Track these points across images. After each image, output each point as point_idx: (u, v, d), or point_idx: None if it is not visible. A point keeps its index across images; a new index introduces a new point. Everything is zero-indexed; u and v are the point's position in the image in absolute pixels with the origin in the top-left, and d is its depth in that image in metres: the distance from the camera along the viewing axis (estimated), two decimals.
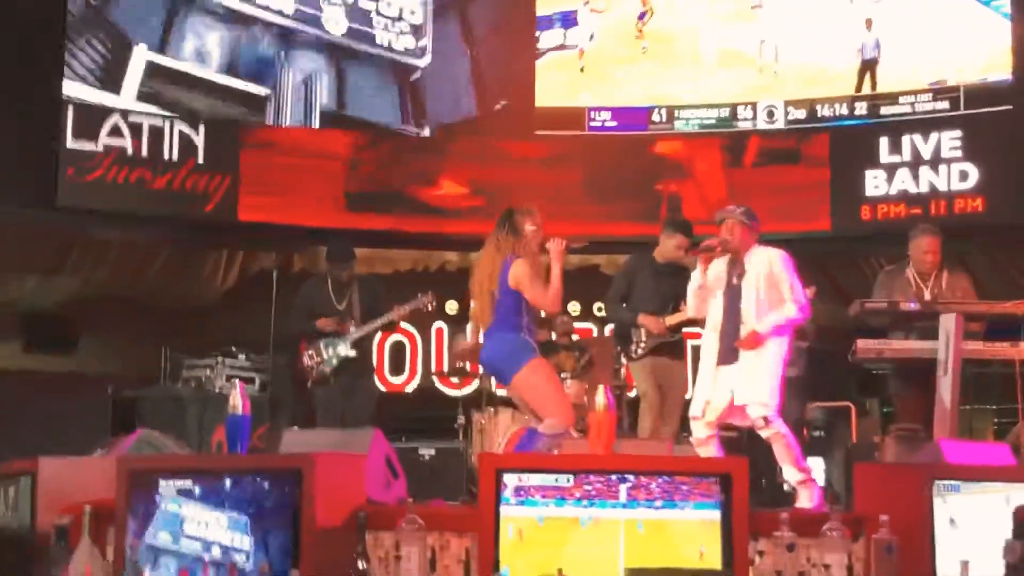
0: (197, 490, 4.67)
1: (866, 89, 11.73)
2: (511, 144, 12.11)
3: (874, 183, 11.44)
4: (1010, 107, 11.12)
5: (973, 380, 7.55)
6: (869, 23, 11.77)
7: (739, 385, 6.48)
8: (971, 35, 11.50)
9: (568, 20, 12.37)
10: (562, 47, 12.36)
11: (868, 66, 11.75)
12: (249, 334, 9.92)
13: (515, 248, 6.46)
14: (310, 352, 8.35)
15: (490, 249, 6.55)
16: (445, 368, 11.53)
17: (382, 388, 10.57)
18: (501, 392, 8.45)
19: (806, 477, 6.46)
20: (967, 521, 4.50)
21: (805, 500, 6.38)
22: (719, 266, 6.73)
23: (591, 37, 12.37)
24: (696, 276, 6.73)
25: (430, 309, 8.68)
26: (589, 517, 4.45)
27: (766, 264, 6.62)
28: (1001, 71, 11.26)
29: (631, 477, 4.45)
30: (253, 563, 4.48)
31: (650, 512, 4.46)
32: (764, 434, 6.46)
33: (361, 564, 4.42)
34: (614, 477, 4.49)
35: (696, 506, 4.48)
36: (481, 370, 9.18)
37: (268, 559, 4.50)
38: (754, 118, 11.96)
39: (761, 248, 6.73)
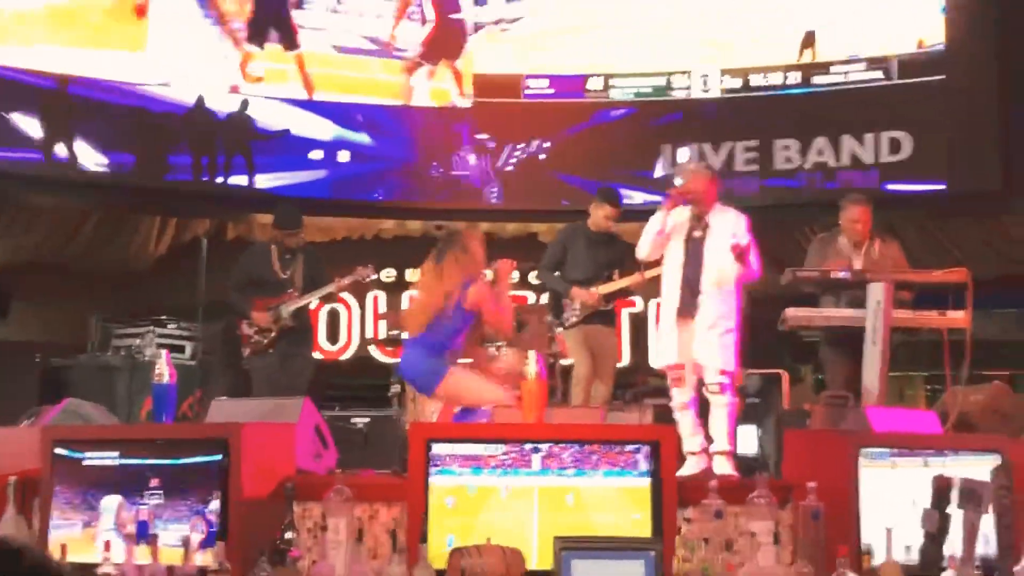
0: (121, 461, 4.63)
1: (806, 60, 11.80)
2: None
3: (813, 151, 11.51)
4: (943, 76, 11.21)
5: (904, 347, 7.63)
6: None
7: (702, 346, 6.56)
8: (904, 6, 11.60)
9: None
10: (500, 21, 12.29)
11: (808, 39, 11.80)
12: (180, 302, 9.82)
13: (470, 269, 6.50)
14: (248, 321, 8.27)
15: (449, 267, 6.55)
16: (381, 336, 11.48)
17: (319, 356, 10.51)
18: None
19: (732, 449, 6.56)
20: (893, 488, 4.54)
21: (726, 469, 6.46)
22: (680, 215, 6.76)
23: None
24: (657, 220, 6.74)
25: (369, 280, 8.63)
26: (507, 487, 4.47)
27: (732, 224, 6.71)
28: (934, 39, 11.38)
29: (569, 445, 4.46)
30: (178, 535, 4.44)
31: (579, 480, 4.48)
32: (714, 399, 6.53)
33: (289, 535, 4.39)
34: (544, 446, 4.50)
35: (620, 473, 4.50)
36: None
37: (195, 530, 4.46)
38: (689, 87, 11.97)
39: (725, 208, 6.84)
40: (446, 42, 12.19)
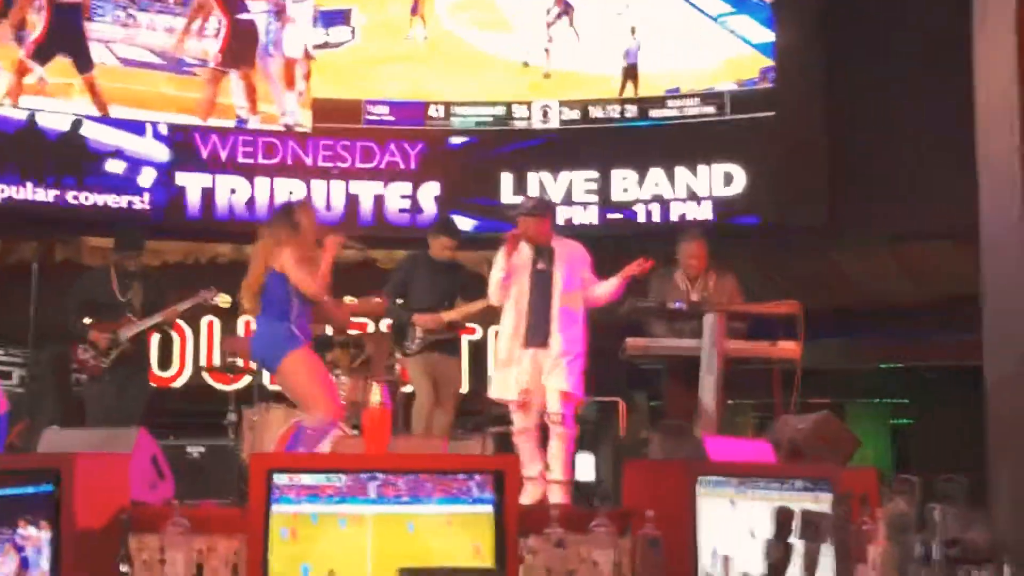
0: None
1: (628, 93, 12.04)
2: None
3: (650, 183, 11.75)
4: (773, 112, 11.55)
5: (736, 376, 7.82)
6: (633, 30, 12.08)
7: (553, 373, 6.69)
8: (718, 44, 12.02)
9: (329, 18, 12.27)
10: (325, 45, 12.24)
11: (631, 71, 12.06)
12: (7, 327, 9.48)
13: (293, 242, 6.43)
14: (84, 346, 8.06)
15: (267, 241, 6.51)
16: (215, 363, 11.27)
17: (152, 385, 10.25)
18: (274, 387, 8.30)
19: (568, 478, 6.67)
20: (731, 517, 4.64)
21: (559, 497, 6.55)
22: (522, 251, 6.88)
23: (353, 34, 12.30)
24: (498, 266, 6.88)
25: (213, 302, 8.49)
26: (347, 516, 4.42)
27: (577, 253, 7.09)
28: (748, 75, 11.77)
29: (409, 476, 4.44)
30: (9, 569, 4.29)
31: (418, 508, 4.47)
32: (555, 429, 6.61)
33: (124, 567, 4.28)
34: (388, 476, 4.47)
35: (462, 501, 4.50)
36: (253, 365, 9.02)
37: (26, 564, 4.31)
38: (529, 117, 12.10)
39: (563, 239, 7.18)
40: (240, 50, 12.05)
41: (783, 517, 3.81)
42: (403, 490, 4.47)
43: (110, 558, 4.29)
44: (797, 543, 3.77)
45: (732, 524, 4.61)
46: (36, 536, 4.34)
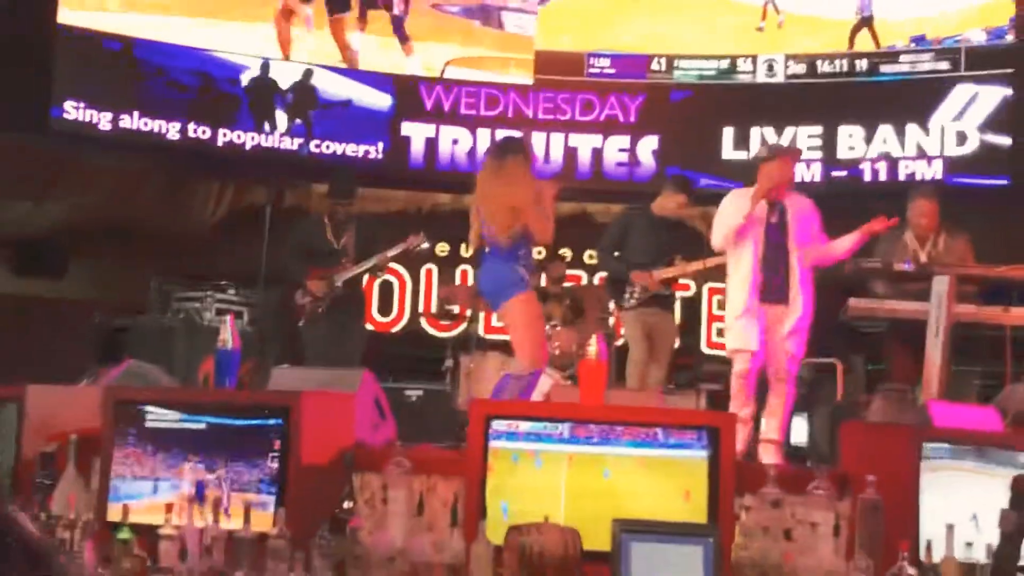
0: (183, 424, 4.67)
1: (860, 46, 11.66)
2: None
3: (878, 140, 11.41)
4: (1012, 70, 11.05)
5: (962, 341, 7.55)
6: None
7: (789, 331, 6.78)
8: None
9: None
10: None
11: (865, 23, 11.68)
12: (239, 267, 9.86)
13: (530, 175, 6.48)
14: (302, 290, 8.29)
15: (515, 170, 6.54)
16: (433, 309, 11.50)
17: (370, 328, 10.53)
18: (490, 336, 8.43)
19: (781, 438, 6.56)
20: (957, 485, 4.50)
21: (772, 457, 6.46)
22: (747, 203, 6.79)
23: None
24: (739, 213, 6.80)
25: (423, 248, 8.60)
26: (569, 456, 4.45)
27: (807, 208, 6.97)
28: (998, 22, 11.24)
29: (620, 427, 4.44)
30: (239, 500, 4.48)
31: (638, 451, 4.47)
32: (779, 387, 6.55)
33: (347, 504, 4.40)
34: (601, 427, 4.49)
35: (681, 446, 4.48)
36: (469, 312, 9.16)
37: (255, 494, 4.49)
38: (754, 71, 11.88)
39: (794, 194, 7.07)
40: None
41: (1021, 486, 3.66)
42: (620, 439, 4.48)
43: (335, 494, 4.42)
44: None
45: (957, 492, 4.46)
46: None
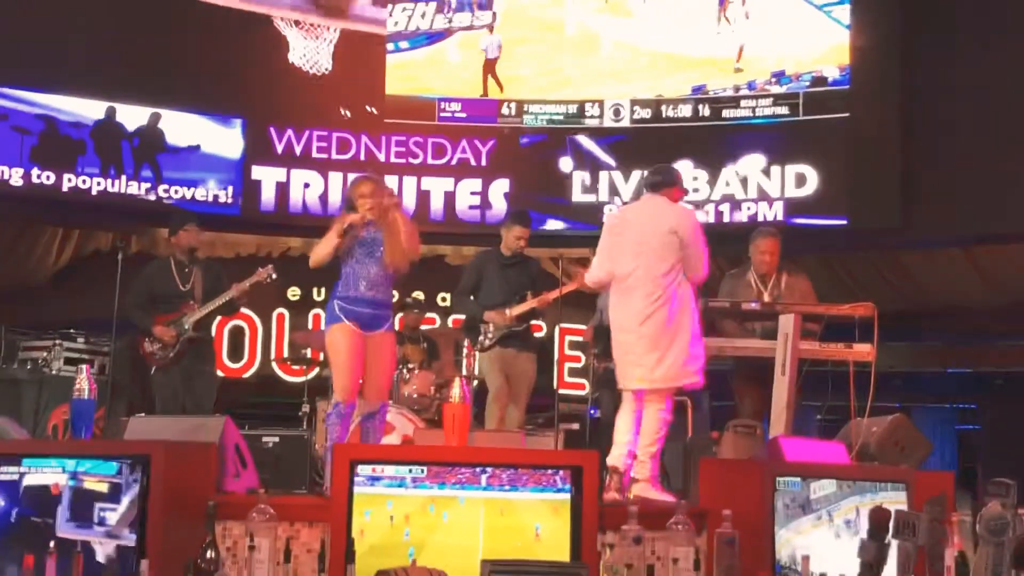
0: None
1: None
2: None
3: (721, 182, 11.76)
4: (847, 114, 11.50)
5: (805, 377, 7.79)
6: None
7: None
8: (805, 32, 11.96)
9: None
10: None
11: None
12: (86, 315, 9.64)
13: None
14: (150, 338, 8.14)
15: None
16: (285, 354, 11.42)
17: (220, 374, 10.38)
18: None
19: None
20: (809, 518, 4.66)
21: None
22: None
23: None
24: None
25: (271, 280, 8.50)
26: (431, 499, 4.49)
27: None
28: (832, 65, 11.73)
29: (487, 469, 4.51)
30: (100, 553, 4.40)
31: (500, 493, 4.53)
32: None
33: (210, 554, 4.36)
34: (467, 469, 4.54)
35: (542, 490, 4.56)
36: (322, 356, 9.11)
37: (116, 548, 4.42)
38: (601, 115, 12.14)
39: None
40: None
41: (879, 517, 3.81)
42: (485, 481, 4.54)
43: (196, 544, 4.37)
44: (892, 543, 3.78)
45: (809, 525, 4.63)
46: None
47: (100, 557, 4.44)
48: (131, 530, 4.47)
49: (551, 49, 12.49)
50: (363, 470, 4.54)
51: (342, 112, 12.19)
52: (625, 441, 6.41)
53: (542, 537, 4.57)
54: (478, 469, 4.50)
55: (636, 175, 11.76)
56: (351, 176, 11.52)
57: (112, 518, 4.48)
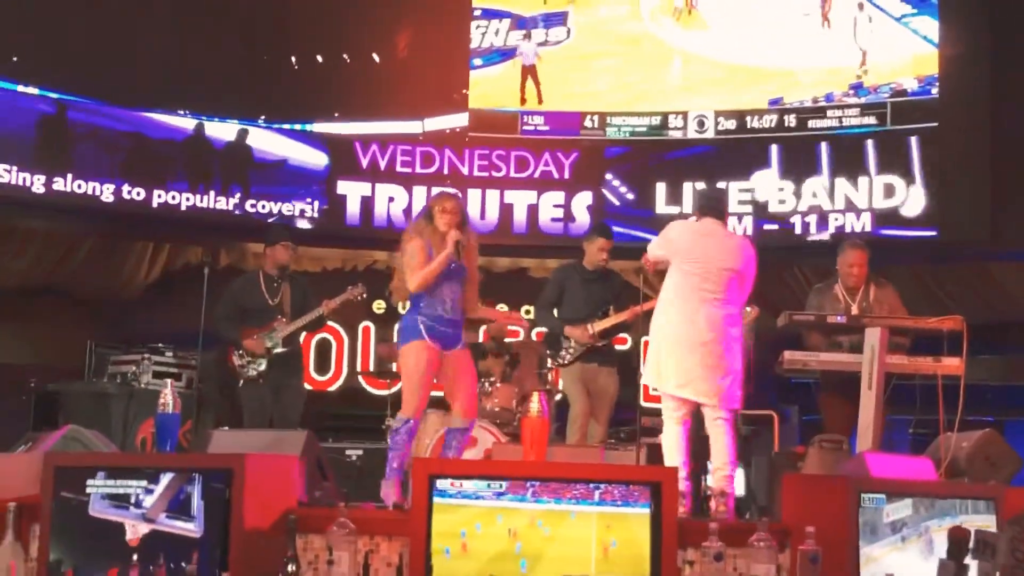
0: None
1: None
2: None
3: (807, 194, 11.65)
4: (935, 124, 11.32)
5: (893, 391, 7.67)
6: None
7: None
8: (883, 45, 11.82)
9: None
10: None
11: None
12: (175, 329, 9.79)
13: (424, 231, 6.41)
14: (239, 351, 8.24)
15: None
16: (371, 367, 11.48)
17: (308, 387, 10.47)
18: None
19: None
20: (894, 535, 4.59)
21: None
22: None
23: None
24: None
25: (361, 299, 8.60)
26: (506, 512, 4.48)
27: None
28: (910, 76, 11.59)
29: (571, 484, 4.49)
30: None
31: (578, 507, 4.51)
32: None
33: (291, 567, 4.40)
34: (547, 484, 4.53)
35: (623, 504, 4.54)
36: None
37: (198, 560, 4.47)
38: (684, 127, 12.08)
39: None
40: None
41: (958, 537, 3.74)
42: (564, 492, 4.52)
43: (278, 557, 4.41)
44: (972, 564, 3.71)
45: (895, 542, 4.55)
46: None
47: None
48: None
49: (626, 63, 12.43)
50: (441, 484, 4.55)
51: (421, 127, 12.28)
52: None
53: (623, 553, 4.54)
54: (556, 484, 4.48)
55: (720, 186, 11.67)
56: (434, 190, 11.78)
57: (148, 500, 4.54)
